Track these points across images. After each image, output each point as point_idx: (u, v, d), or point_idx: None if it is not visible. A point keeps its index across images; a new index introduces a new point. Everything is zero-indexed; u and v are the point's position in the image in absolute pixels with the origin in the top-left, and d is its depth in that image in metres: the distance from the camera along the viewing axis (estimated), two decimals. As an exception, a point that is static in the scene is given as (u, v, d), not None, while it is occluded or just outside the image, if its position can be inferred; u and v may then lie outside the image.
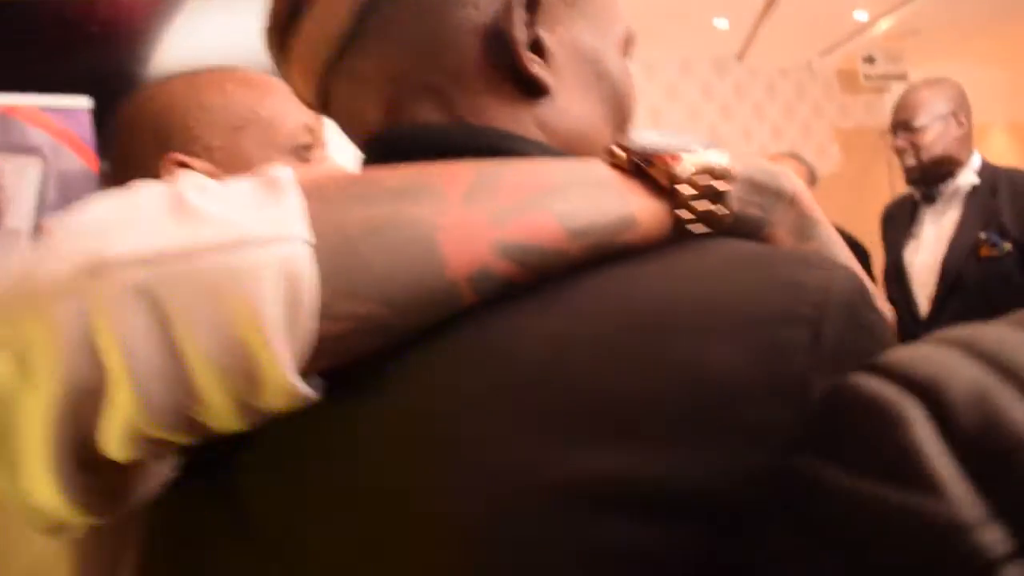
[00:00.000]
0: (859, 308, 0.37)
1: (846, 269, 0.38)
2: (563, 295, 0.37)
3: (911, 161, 2.05)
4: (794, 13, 4.33)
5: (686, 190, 0.41)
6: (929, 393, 0.27)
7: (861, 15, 4.49)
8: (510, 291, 0.38)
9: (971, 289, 1.91)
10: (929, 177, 2.04)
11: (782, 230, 0.45)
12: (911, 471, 0.26)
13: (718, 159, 0.42)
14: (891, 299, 2.15)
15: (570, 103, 0.47)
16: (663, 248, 0.40)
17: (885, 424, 0.28)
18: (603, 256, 0.39)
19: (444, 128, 0.45)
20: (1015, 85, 5.47)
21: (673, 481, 0.32)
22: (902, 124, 2.08)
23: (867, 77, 4.90)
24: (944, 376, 0.27)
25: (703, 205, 0.42)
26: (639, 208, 0.41)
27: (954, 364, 0.28)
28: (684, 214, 0.42)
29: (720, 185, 0.42)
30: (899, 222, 2.16)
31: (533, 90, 0.46)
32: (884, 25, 4.56)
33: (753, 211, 0.44)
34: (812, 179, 2.57)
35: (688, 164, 0.41)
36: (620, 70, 0.50)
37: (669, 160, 0.42)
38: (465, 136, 0.44)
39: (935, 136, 2.02)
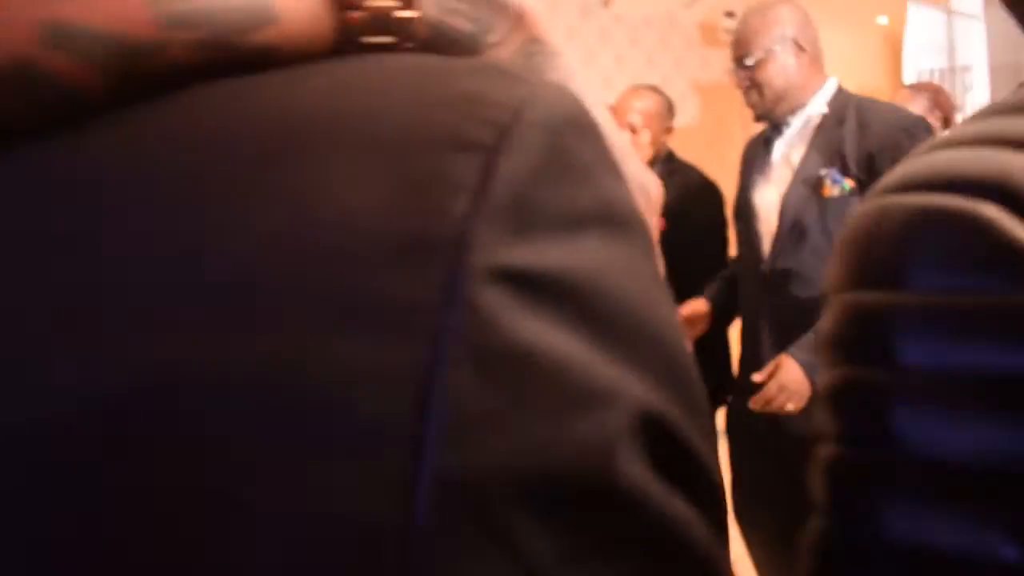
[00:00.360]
0: (567, 139, 0.25)
1: (562, 89, 0.27)
2: (147, 115, 0.25)
3: (754, 98, 1.88)
4: (659, -40, 4.30)
5: None
6: (1000, 192, 0.26)
7: (724, -32, 4.51)
8: (80, 108, 0.25)
9: (812, 231, 1.77)
10: (778, 113, 1.88)
11: (504, 54, 0.33)
12: (1018, 262, 0.24)
13: None
14: (737, 238, 2.08)
15: None
16: (317, 62, 0.28)
17: (971, 231, 0.25)
18: (225, 64, 0.27)
19: None
20: (867, 49, 5.68)
21: (248, 376, 0.21)
22: (738, 60, 1.88)
23: (727, 31, 4.96)
24: (1005, 171, 0.26)
25: (380, 3, 0.30)
26: (284, 1, 0.28)
27: (1004, 158, 0.26)
28: (353, 15, 0.30)
29: None
30: (753, 159, 2.03)
31: None
32: (745, -20, 4.60)
33: (460, 23, 0.32)
34: (671, 111, 2.48)
35: None
36: None
37: None
38: None
39: (775, 69, 1.82)
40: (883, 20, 5.49)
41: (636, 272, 0.26)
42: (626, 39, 5.08)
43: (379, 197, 0.22)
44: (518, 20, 0.34)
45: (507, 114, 0.24)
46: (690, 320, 2.10)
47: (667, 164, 2.38)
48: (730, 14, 4.94)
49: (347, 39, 0.29)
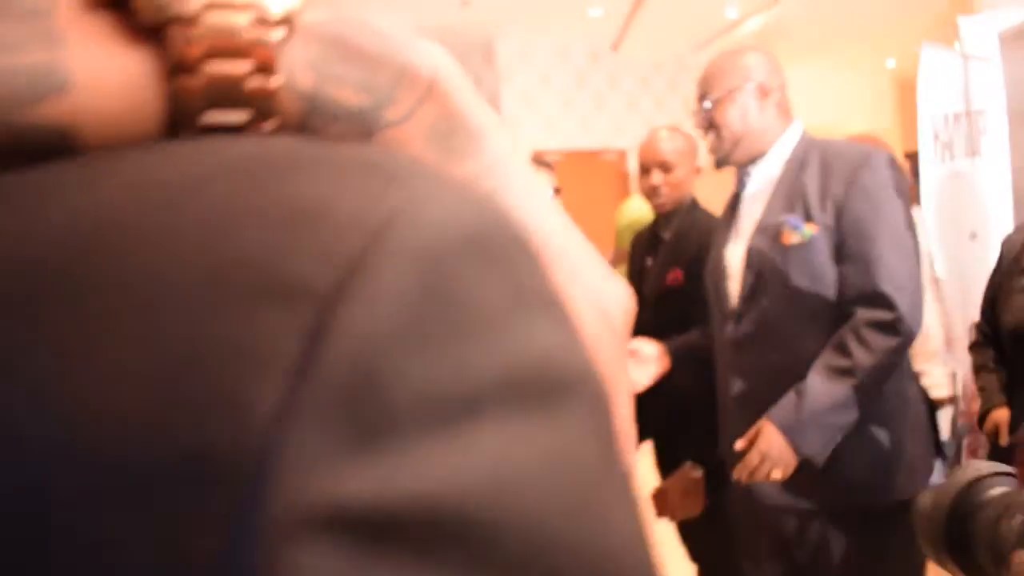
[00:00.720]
0: (457, 271, 0.17)
1: (464, 191, 0.19)
2: None
3: (712, 141, 1.76)
4: (667, 6, 4.36)
5: (191, 40, 0.21)
6: None
7: (732, 12, 4.56)
8: None
9: (773, 283, 1.66)
10: (736, 158, 1.78)
11: (412, 135, 0.25)
12: None
13: None
14: (709, 299, 1.92)
15: None
16: (130, 150, 0.21)
17: None
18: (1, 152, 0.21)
19: None
20: (875, 92, 5.67)
21: None
22: (699, 100, 1.77)
23: (737, 75, 5.00)
24: None
25: (225, 68, 0.22)
26: (86, 64, 0.21)
27: None
28: (187, 83, 0.21)
29: (264, 34, 0.22)
30: (726, 213, 1.91)
31: None
32: (753, 24, 4.65)
33: (346, 95, 0.24)
34: (695, 153, 2.34)
35: None
36: None
37: None
38: None
39: (734, 111, 1.73)
40: (891, 63, 5.50)
41: (568, 465, 0.17)
42: (636, 83, 5.14)
43: (140, 389, 0.15)
44: (429, 89, 0.25)
45: (358, 239, 0.16)
46: (638, 360, 1.98)
47: (690, 213, 2.33)
48: (740, 58, 4.99)
49: (183, 115, 0.22)
